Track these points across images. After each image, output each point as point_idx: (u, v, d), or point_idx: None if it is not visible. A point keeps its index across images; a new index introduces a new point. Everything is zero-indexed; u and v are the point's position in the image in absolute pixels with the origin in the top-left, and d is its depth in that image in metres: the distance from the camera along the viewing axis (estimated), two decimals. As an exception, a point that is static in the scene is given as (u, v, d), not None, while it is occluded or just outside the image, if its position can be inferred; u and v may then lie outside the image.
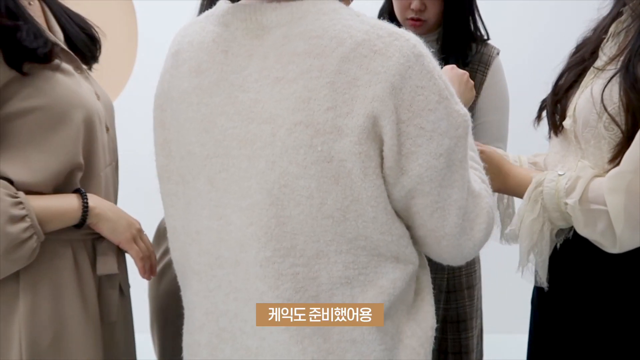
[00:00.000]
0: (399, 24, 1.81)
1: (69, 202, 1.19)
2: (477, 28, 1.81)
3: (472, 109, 1.78)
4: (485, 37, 1.83)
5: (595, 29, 1.31)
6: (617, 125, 1.15)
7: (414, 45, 0.91)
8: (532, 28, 3.05)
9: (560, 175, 1.21)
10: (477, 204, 0.98)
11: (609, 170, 1.16)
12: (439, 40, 1.80)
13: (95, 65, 1.38)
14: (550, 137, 1.35)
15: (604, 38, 1.26)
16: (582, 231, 1.18)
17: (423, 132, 0.90)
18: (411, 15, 1.74)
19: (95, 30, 1.36)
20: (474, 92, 1.27)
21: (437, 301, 1.82)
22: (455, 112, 0.93)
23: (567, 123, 1.26)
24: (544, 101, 1.38)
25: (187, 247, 1.05)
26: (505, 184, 1.30)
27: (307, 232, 0.93)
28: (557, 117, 1.30)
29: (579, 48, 1.34)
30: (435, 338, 1.82)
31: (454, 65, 1.25)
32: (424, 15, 1.74)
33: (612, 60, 1.21)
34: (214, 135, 0.97)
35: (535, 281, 1.31)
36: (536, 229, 1.23)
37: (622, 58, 1.18)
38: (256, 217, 0.94)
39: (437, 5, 1.73)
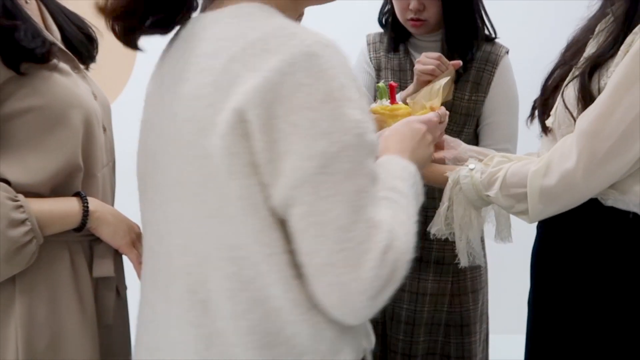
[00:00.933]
0: (402, 26, 1.81)
1: (69, 206, 1.18)
2: (483, 27, 1.79)
3: (480, 109, 1.78)
4: (493, 36, 1.81)
5: (583, 28, 1.32)
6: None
7: (309, 45, 0.85)
8: (535, 27, 3.04)
9: (471, 169, 1.31)
10: (371, 235, 0.83)
11: None
12: (442, 39, 1.78)
13: (95, 65, 1.37)
14: (541, 136, 1.37)
15: (591, 38, 1.27)
16: (508, 211, 1.30)
17: (297, 130, 0.82)
18: (410, 15, 1.73)
19: (93, 30, 1.35)
20: (432, 149, 1.22)
21: (441, 304, 1.84)
22: (344, 115, 0.83)
23: (549, 121, 1.29)
24: (536, 101, 1.39)
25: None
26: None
27: (195, 231, 0.91)
28: (546, 116, 1.32)
29: (568, 47, 1.35)
30: (439, 342, 1.84)
31: (411, 119, 1.21)
32: (424, 15, 1.72)
33: (585, 60, 1.23)
34: (150, 135, 1.01)
35: (473, 261, 1.37)
36: (466, 222, 1.32)
37: (591, 59, 1.21)
38: (168, 212, 0.96)
39: (436, 5, 1.72)
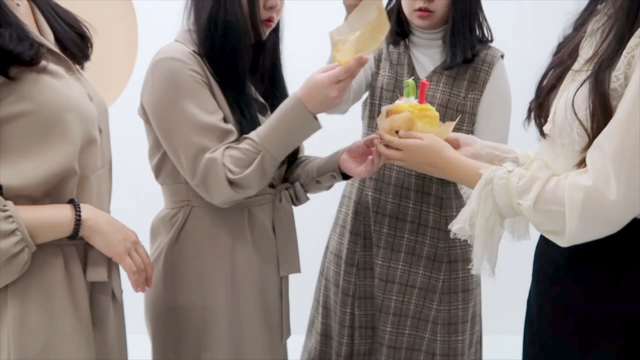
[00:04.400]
0: (404, 23, 1.79)
1: (61, 214, 1.14)
2: (481, 29, 1.77)
3: (476, 107, 1.76)
4: (489, 39, 1.80)
5: (574, 26, 1.25)
6: (585, 131, 1.10)
7: None
8: (532, 29, 3.01)
9: (510, 171, 1.19)
10: None
11: None
12: (444, 37, 1.75)
13: (95, 66, 1.32)
14: (540, 139, 1.29)
15: (583, 37, 1.19)
16: (537, 229, 1.18)
17: None
18: (419, 5, 1.71)
19: (87, 28, 1.29)
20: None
21: (429, 301, 1.81)
22: None
23: (547, 128, 1.21)
24: (531, 102, 1.32)
25: None
26: (445, 171, 1.31)
27: None
28: (542, 120, 1.23)
29: (559, 47, 1.28)
30: (425, 338, 1.81)
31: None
32: (432, 6, 1.71)
33: (586, 62, 1.15)
34: None
35: (490, 273, 1.26)
36: (489, 226, 1.20)
37: (595, 61, 1.12)
38: None
39: None
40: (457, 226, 1.26)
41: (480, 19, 1.76)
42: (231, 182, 1.33)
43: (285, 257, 1.52)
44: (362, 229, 1.84)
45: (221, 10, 1.37)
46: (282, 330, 1.54)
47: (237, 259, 1.44)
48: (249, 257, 1.45)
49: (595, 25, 1.17)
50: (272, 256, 1.50)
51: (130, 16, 2.89)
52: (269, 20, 1.43)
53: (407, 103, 1.37)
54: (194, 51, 1.39)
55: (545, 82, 1.26)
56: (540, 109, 1.25)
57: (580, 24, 1.22)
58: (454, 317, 1.80)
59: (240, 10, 1.38)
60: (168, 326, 1.45)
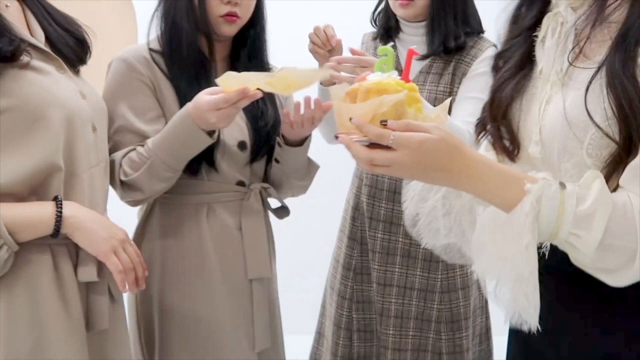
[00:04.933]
0: (392, 17, 1.77)
1: (41, 211, 1.11)
2: (467, 19, 1.73)
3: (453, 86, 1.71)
4: (480, 31, 1.76)
5: (518, 32, 1.05)
6: (614, 141, 0.88)
7: None
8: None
9: (563, 188, 0.85)
10: None
11: None
12: (427, 32, 1.73)
13: (94, 66, 1.31)
14: (500, 160, 1.04)
15: (535, 35, 1.01)
16: (586, 266, 0.88)
17: None
18: None
19: (86, 33, 1.27)
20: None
21: (430, 301, 1.80)
22: None
23: (534, 151, 0.96)
24: (479, 122, 1.09)
25: None
26: (463, 178, 0.87)
27: None
28: (510, 142, 1.01)
29: (502, 56, 1.06)
30: (430, 338, 1.81)
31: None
32: None
33: (576, 59, 0.95)
34: None
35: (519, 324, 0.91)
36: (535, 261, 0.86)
37: (601, 61, 0.90)
38: None
39: None
40: (519, 270, 0.86)
41: (466, 9, 1.72)
42: (122, 183, 1.34)
43: (253, 259, 1.44)
44: (359, 235, 1.84)
45: (171, 9, 1.40)
46: (254, 337, 1.45)
47: (194, 257, 1.40)
48: (207, 256, 1.40)
49: (556, 20, 1.00)
50: (238, 257, 1.43)
51: (130, 16, 2.88)
52: (230, 15, 1.39)
53: (390, 79, 0.89)
54: (153, 50, 1.41)
55: (500, 96, 1.03)
56: (499, 130, 1.02)
57: (526, 26, 1.04)
58: (456, 315, 1.79)
59: (191, 7, 1.38)
60: (136, 324, 1.45)
